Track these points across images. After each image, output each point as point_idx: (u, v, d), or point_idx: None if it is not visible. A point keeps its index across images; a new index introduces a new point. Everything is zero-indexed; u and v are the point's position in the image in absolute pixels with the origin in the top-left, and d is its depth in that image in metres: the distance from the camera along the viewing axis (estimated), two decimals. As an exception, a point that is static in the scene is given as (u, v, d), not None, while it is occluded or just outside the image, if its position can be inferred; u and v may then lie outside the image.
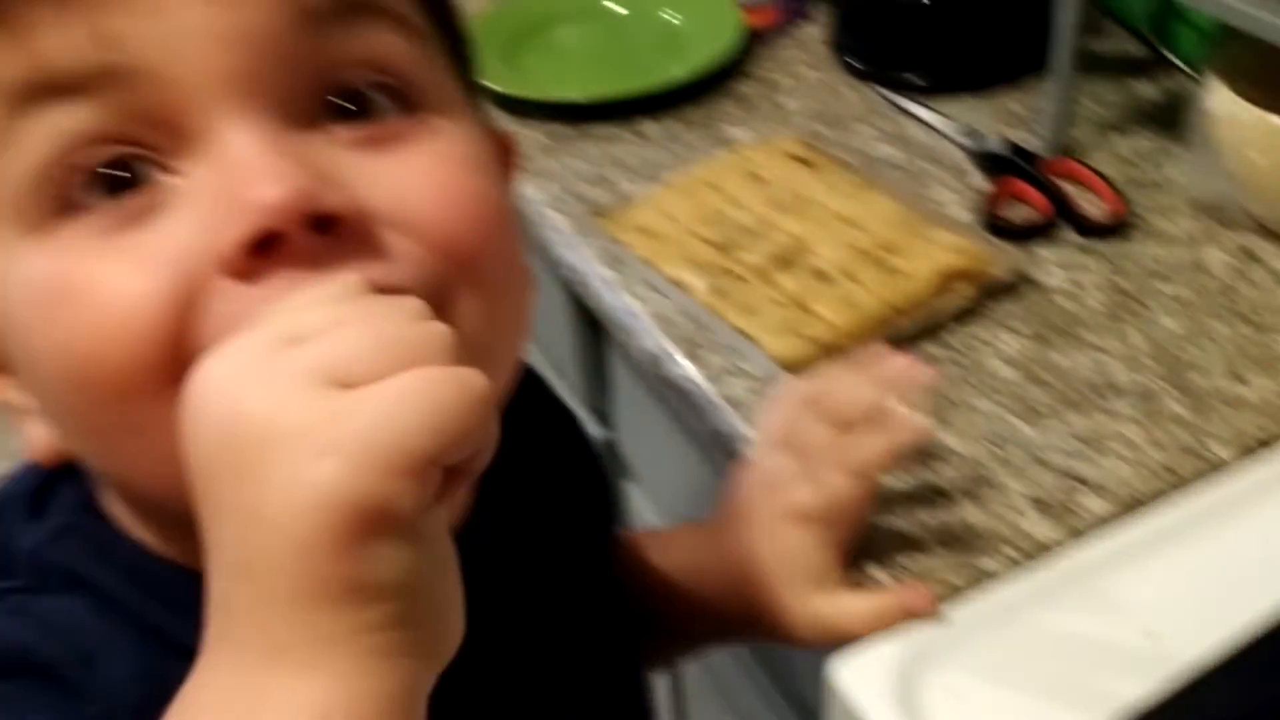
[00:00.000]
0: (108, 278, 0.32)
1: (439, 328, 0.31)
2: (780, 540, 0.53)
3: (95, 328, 0.32)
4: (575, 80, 0.91)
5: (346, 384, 0.29)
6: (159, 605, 0.38)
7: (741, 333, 0.66)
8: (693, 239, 0.72)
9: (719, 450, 0.65)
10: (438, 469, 0.29)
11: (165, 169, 0.33)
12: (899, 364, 0.52)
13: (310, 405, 0.29)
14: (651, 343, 0.69)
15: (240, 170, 0.32)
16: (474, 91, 0.41)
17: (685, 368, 0.67)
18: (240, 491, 0.29)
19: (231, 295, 0.32)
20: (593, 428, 0.87)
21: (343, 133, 0.35)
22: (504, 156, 0.43)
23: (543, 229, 0.79)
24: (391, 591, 0.29)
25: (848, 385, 0.53)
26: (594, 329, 0.83)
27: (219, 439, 0.29)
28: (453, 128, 0.37)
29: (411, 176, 0.35)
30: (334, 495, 0.28)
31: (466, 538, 0.34)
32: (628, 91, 0.87)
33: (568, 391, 0.87)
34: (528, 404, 0.43)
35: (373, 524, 0.28)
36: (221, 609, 0.30)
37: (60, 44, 0.32)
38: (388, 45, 0.36)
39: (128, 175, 0.33)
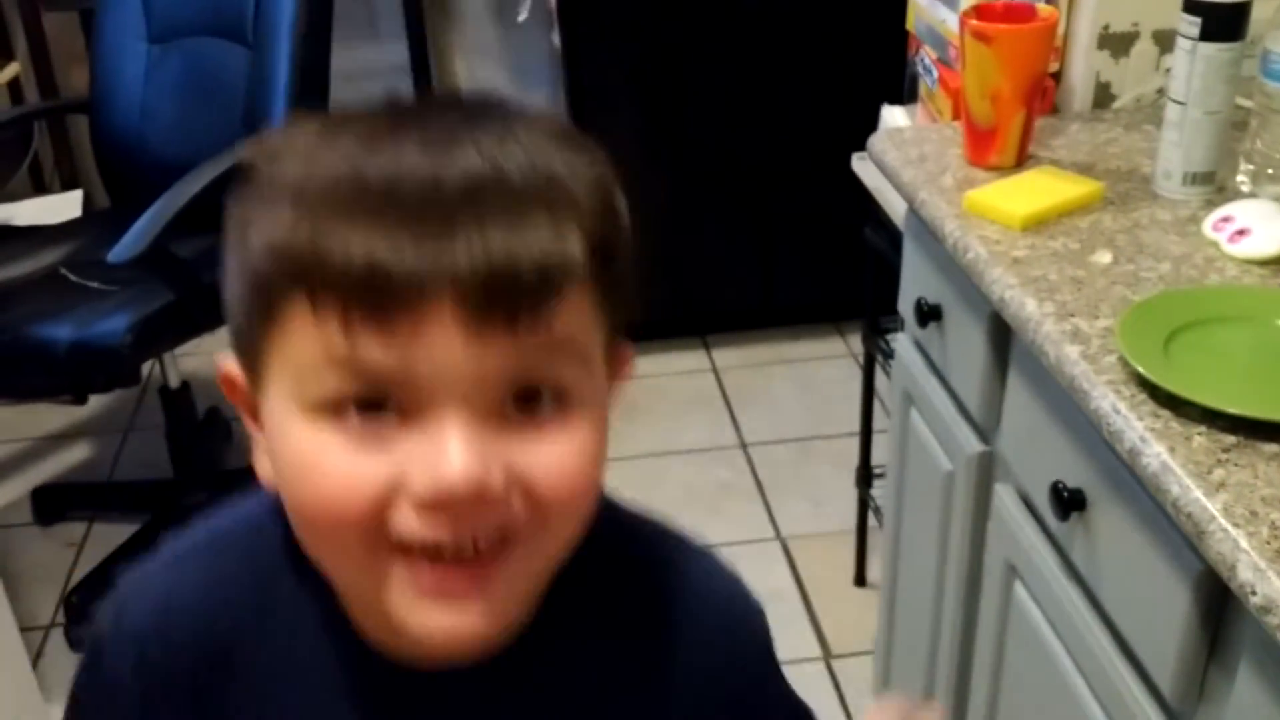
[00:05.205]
0: (343, 474, 0.52)
1: None
2: None
3: (327, 500, 0.53)
4: (1237, 389, 0.90)
5: None
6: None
7: None
8: None
9: None
10: None
11: (401, 415, 0.51)
12: None
13: None
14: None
15: (444, 452, 0.51)
16: (617, 336, 0.58)
17: None
18: None
19: (413, 519, 0.52)
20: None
21: (516, 419, 0.52)
22: (620, 373, 0.60)
23: (1221, 542, 0.79)
24: None
25: None
26: None
27: None
28: (586, 419, 0.54)
29: (544, 465, 0.53)
30: None
31: (519, 654, 0.60)
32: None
33: None
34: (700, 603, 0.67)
35: None
36: None
37: (376, 355, 0.50)
38: (563, 375, 0.53)
39: (378, 410, 0.51)
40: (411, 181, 0.50)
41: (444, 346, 0.50)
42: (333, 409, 0.52)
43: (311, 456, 0.52)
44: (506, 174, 0.51)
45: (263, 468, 0.58)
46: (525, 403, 0.53)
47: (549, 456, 0.53)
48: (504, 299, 0.50)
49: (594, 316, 0.55)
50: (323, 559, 0.57)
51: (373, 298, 0.49)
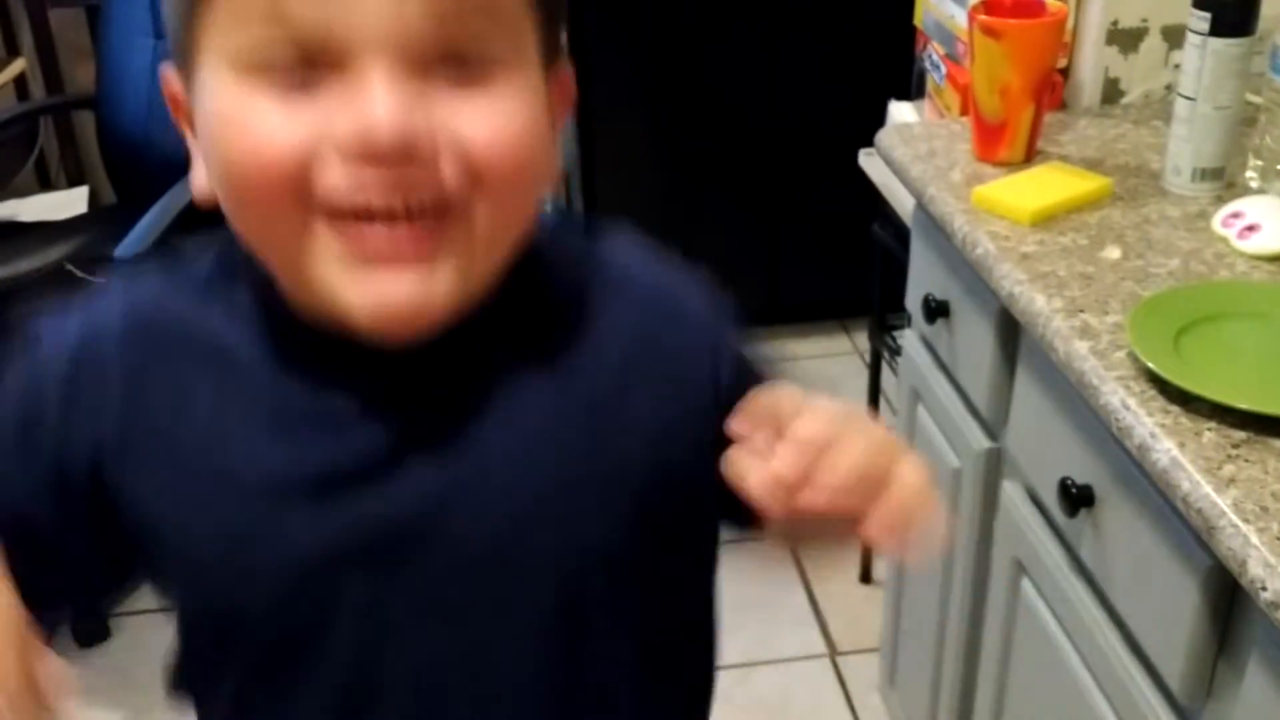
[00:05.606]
0: (265, 122, 0.51)
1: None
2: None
3: (251, 154, 0.52)
4: (1248, 384, 0.90)
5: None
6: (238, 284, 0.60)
7: None
8: None
9: None
10: None
11: (330, 72, 0.51)
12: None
13: None
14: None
15: (368, 95, 0.50)
16: (555, 49, 0.59)
17: None
18: None
19: (338, 174, 0.51)
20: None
21: (444, 76, 0.52)
22: (563, 90, 0.61)
23: (1232, 538, 0.78)
24: None
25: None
26: None
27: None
28: (515, 87, 0.54)
29: (473, 124, 0.53)
30: None
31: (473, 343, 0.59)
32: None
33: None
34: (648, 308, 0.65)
35: None
36: None
37: (302, 13, 0.50)
38: (487, 30, 0.53)
39: (305, 65, 0.51)
40: None
41: (365, 10, 0.50)
42: (261, 68, 0.52)
43: (237, 112, 0.52)
44: None
45: (198, 179, 0.58)
46: (454, 68, 0.52)
47: (479, 116, 0.53)
48: None
49: None
50: (252, 231, 0.56)
51: None
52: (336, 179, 0.51)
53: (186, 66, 0.56)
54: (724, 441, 0.63)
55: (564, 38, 0.60)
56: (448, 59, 0.52)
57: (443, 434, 0.60)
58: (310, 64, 0.51)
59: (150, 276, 0.65)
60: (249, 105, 0.52)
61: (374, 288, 0.53)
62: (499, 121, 0.53)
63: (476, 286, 0.56)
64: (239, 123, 0.52)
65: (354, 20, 0.50)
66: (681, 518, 0.66)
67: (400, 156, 0.51)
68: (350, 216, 0.52)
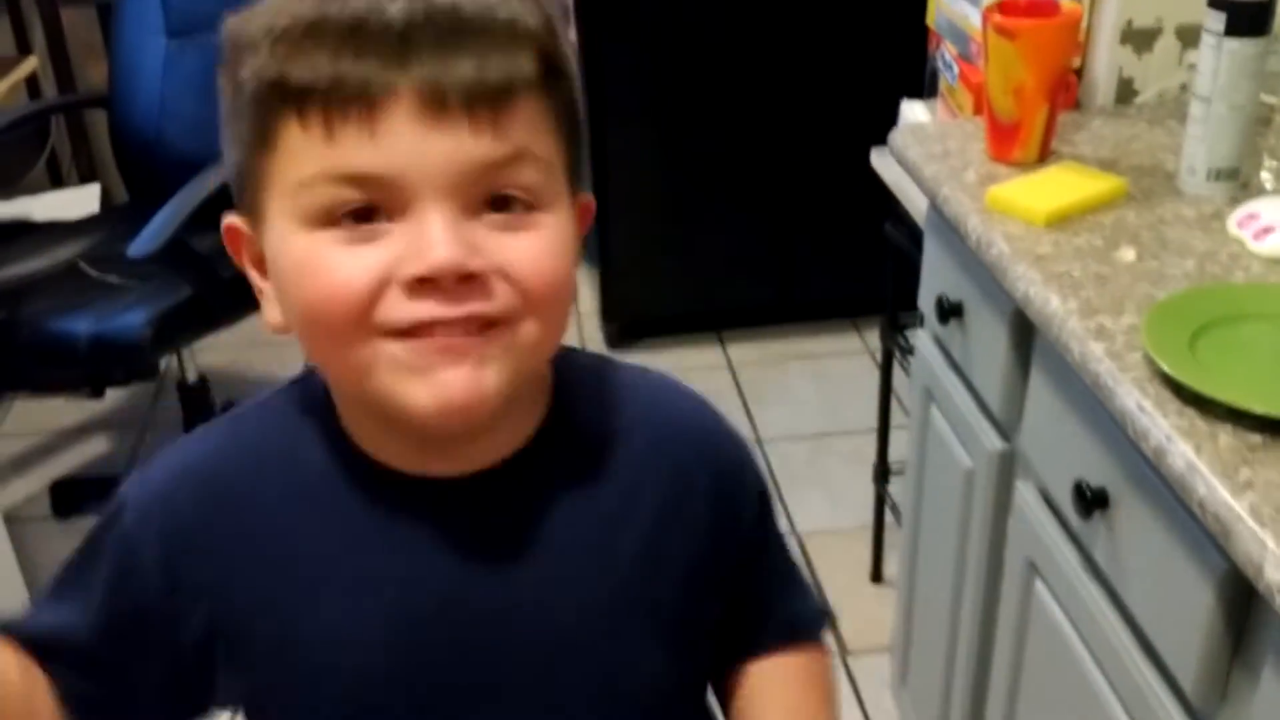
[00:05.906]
0: (339, 268, 0.59)
1: None
2: None
3: (326, 296, 0.59)
4: (1264, 387, 0.89)
5: None
6: (315, 421, 0.69)
7: None
8: None
9: None
10: None
11: (390, 219, 0.59)
12: None
13: None
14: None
15: (428, 237, 0.58)
16: (579, 177, 0.66)
17: None
18: None
19: (402, 303, 0.59)
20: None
21: (491, 218, 0.60)
22: (584, 215, 0.68)
23: (1248, 542, 0.78)
24: None
25: None
26: None
27: None
28: (553, 224, 0.62)
29: (520, 255, 0.60)
30: None
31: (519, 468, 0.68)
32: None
33: None
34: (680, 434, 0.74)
35: None
36: None
37: (360, 159, 0.58)
38: (529, 178, 0.61)
39: (367, 214, 0.59)
40: (376, 14, 0.58)
41: (413, 140, 0.57)
42: (328, 219, 0.59)
43: (310, 258, 0.59)
44: (461, 5, 0.59)
45: (270, 314, 0.65)
46: (499, 209, 0.60)
47: (524, 247, 0.60)
48: (460, 93, 0.58)
49: (550, 128, 0.62)
50: (323, 352, 0.63)
51: (345, 102, 0.57)
52: (400, 307, 0.59)
53: (253, 216, 0.63)
54: (737, 577, 0.75)
55: (585, 166, 0.68)
56: (495, 200, 0.60)
57: (501, 562, 0.68)
58: (374, 209, 0.58)
59: (226, 424, 0.73)
60: (321, 254, 0.59)
61: (433, 379, 0.60)
62: (541, 255, 0.61)
63: (521, 384, 0.63)
64: (314, 272, 0.59)
65: (414, 172, 0.58)
66: (706, 635, 0.76)
67: (457, 280, 0.58)
68: (412, 333, 0.59)
